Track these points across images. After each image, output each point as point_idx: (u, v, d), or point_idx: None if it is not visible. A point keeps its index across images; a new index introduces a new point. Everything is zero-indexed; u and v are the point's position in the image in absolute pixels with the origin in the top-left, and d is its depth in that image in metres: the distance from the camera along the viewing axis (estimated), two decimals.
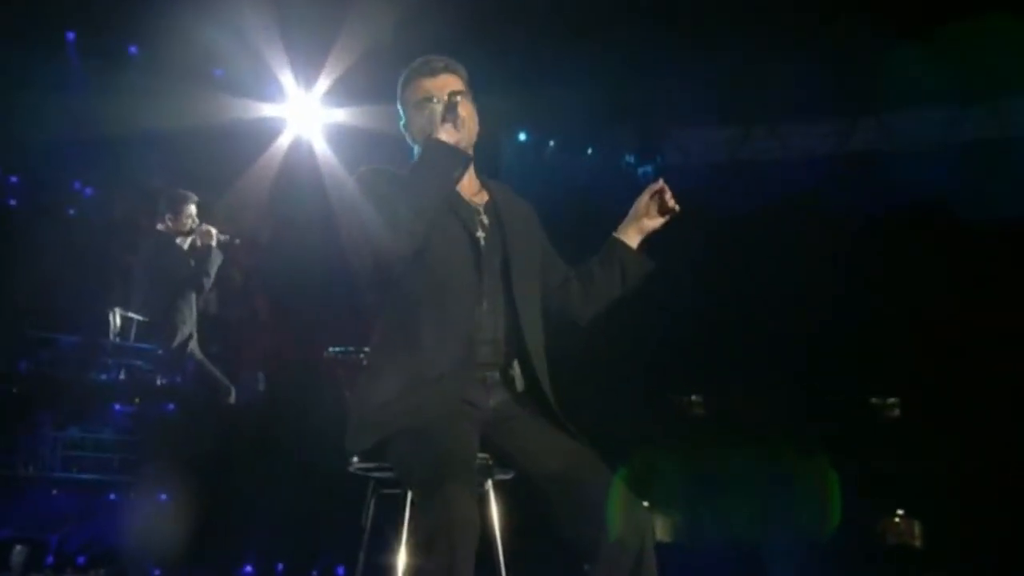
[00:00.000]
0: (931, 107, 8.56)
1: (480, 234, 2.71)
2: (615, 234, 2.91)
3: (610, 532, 2.38)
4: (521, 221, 2.83)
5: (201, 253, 6.19)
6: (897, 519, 8.92)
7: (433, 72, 2.79)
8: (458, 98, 2.69)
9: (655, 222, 2.89)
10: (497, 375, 2.67)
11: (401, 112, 2.86)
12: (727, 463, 8.30)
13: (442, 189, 2.62)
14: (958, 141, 8.49)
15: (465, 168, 2.71)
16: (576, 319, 2.91)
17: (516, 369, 2.71)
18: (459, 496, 2.22)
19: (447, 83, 2.77)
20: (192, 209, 6.24)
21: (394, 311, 2.65)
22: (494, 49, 6.65)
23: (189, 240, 6.25)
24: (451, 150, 2.63)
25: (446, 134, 2.64)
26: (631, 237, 2.89)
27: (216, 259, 6.21)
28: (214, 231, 6.25)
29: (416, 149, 2.81)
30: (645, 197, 2.88)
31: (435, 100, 2.74)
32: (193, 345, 6.17)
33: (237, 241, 6.40)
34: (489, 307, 2.66)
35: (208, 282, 6.18)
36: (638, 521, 2.42)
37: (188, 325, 6.14)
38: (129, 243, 6.88)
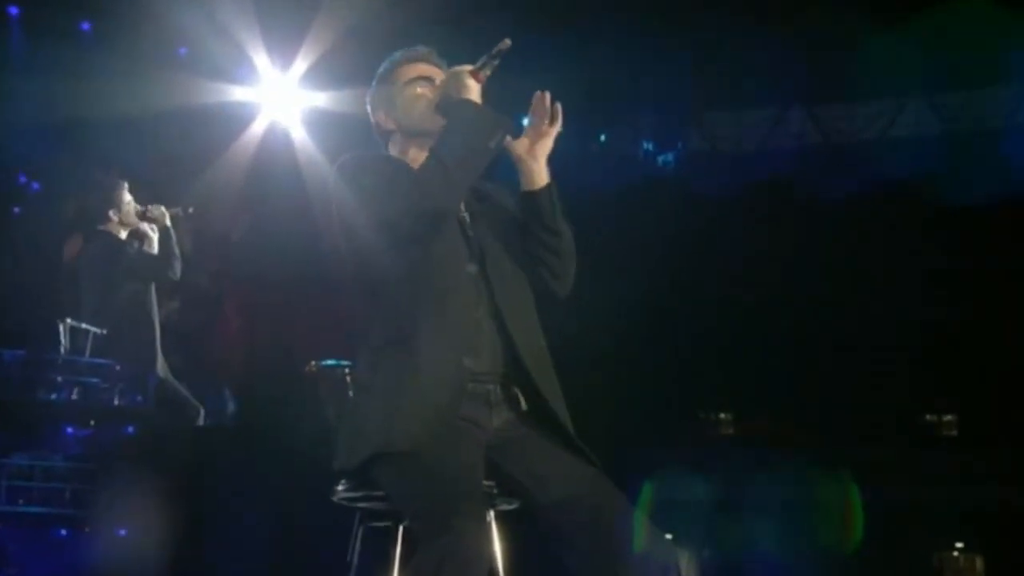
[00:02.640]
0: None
1: (471, 232, 2.71)
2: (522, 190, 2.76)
3: (632, 568, 2.38)
4: (511, 220, 2.80)
5: (161, 238, 6.14)
6: (956, 553, 8.85)
7: (428, 60, 2.81)
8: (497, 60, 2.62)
9: (548, 139, 2.69)
10: (499, 391, 2.65)
11: (380, 97, 2.83)
12: (759, 491, 8.27)
13: (480, 164, 2.57)
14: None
15: (505, 135, 2.62)
16: (555, 292, 2.80)
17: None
18: (470, 529, 2.25)
19: (438, 75, 2.77)
20: (128, 195, 6.18)
21: (387, 318, 2.63)
22: (490, 26, 6.66)
23: (141, 229, 6.19)
24: (487, 113, 2.58)
25: (477, 95, 2.60)
26: (532, 172, 2.70)
27: (174, 239, 6.16)
28: (164, 209, 6.18)
29: (392, 139, 2.82)
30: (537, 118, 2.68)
31: (435, 82, 2.74)
32: (158, 359, 6.15)
33: (191, 210, 6.31)
34: (485, 313, 2.64)
35: (175, 270, 6.14)
36: (663, 556, 2.42)
37: (152, 334, 6.11)
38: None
